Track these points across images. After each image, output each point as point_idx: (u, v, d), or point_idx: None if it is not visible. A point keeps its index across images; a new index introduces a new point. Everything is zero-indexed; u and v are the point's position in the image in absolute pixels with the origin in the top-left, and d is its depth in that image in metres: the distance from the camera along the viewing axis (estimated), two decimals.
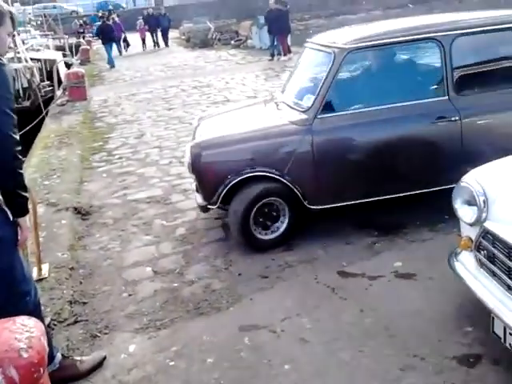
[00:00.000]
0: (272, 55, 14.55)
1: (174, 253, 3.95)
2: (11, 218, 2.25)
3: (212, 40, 21.28)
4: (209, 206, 3.80)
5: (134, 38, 23.66)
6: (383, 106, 3.70)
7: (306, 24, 31.07)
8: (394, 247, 3.60)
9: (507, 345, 2.23)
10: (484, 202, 2.36)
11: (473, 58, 4.00)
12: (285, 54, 14.31)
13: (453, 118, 3.63)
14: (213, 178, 3.70)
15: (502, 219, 2.27)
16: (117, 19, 21.56)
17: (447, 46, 3.66)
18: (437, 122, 3.64)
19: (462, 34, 3.73)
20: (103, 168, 6.31)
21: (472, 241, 2.46)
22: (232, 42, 20.23)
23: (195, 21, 24.36)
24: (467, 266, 2.53)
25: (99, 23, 20.62)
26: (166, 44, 22.75)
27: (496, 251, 2.27)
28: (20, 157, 2.20)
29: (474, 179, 2.48)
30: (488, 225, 2.32)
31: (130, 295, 3.46)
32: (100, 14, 25.67)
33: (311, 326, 2.85)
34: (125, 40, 22.40)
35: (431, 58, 3.88)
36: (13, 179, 2.19)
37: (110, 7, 36.83)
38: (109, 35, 17.78)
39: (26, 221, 2.37)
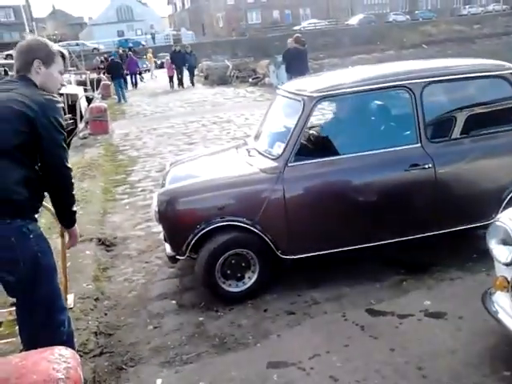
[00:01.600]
0: None
1: (198, 286, 3.94)
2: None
3: (230, 77, 21.73)
4: (177, 257, 3.68)
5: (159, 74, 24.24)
6: (354, 154, 3.65)
7: (321, 63, 31.67)
8: (422, 286, 3.56)
9: None
10: None
11: (444, 105, 4.04)
12: None
13: (426, 166, 3.58)
14: (182, 227, 3.57)
15: None
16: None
17: (418, 93, 3.63)
18: (410, 169, 3.59)
19: (433, 82, 3.71)
20: (126, 200, 6.39)
21: (508, 281, 2.44)
22: (250, 79, 20.61)
23: (214, 59, 24.99)
24: (503, 306, 2.50)
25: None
26: (192, 83, 21.56)
27: None
28: (73, 181, 2.50)
29: (509, 218, 2.48)
30: None
31: (155, 328, 3.45)
32: (120, 51, 26.57)
33: (341, 364, 2.81)
34: (140, 74, 23.27)
35: (402, 105, 3.84)
36: (70, 199, 2.52)
37: (130, 45, 38.08)
38: (118, 72, 18.19)
39: (76, 228, 2.70)
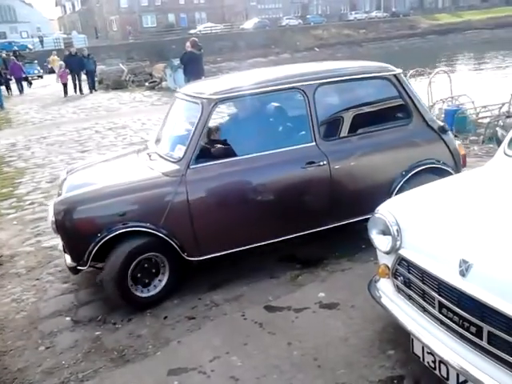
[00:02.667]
0: None
1: (95, 300, 3.77)
2: None
3: (126, 82, 21.12)
4: (78, 267, 3.56)
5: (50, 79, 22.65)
6: (253, 155, 3.74)
7: (219, 66, 31.97)
8: (316, 279, 3.71)
9: (426, 363, 2.37)
10: (397, 231, 2.52)
11: (336, 105, 4.27)
12: None
13: (321, 163, 3.76)
14: (82, 237, 3.46)
15: (415, 246, 2.44)
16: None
17: (310, 94, 3.79)
18: (307, 167, 3.74)
19: (324, 84, 3.91)
20: (13, 215, 5.94)
21: (389, 268, 2.61)
22: (146, 83, 20.19)
23: (108, 63, 24.13)
24: (386, 292, 2.67)
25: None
26: (94, 88, 20.19)
27: (411, 276, 2.43)
28: None
29: (387, 210, 2.65)
30: (402, 252, 2.48)
31: (47, 348, 3.25)
32: (4, 55, 24.79)
33: (241, 364, 2.84)
34: (26, 79, 22.24)
35: (297, 106, 4.00)
36: None
37: (15, 48, 35.60)
38: None
39: None
